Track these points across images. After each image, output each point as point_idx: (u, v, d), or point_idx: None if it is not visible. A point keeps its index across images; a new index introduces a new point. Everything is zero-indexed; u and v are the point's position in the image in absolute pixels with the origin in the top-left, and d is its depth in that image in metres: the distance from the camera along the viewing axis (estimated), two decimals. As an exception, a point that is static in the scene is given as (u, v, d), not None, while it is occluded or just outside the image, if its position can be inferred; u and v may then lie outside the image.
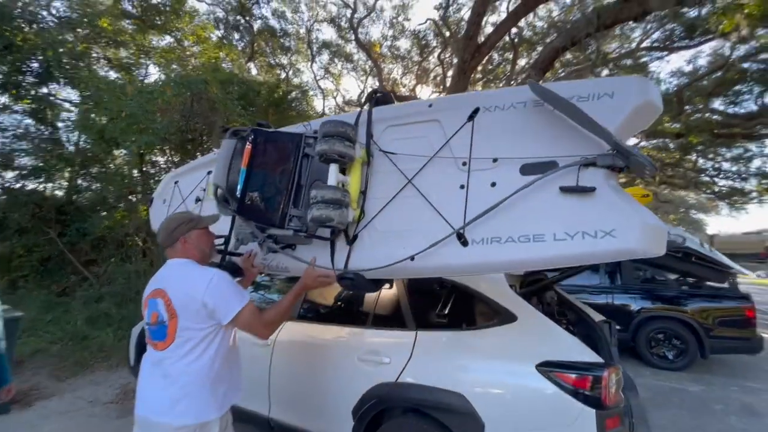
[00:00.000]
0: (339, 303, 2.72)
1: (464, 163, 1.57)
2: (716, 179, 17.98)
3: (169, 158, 6.35)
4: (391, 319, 2.35)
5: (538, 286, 2.13)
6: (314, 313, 2.72)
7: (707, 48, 14.06)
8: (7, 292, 6.65)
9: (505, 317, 1.99)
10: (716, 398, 4.53)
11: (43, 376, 4.47)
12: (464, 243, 1.43)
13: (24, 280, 6.82)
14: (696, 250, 1.59)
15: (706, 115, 13.87)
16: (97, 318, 5.71)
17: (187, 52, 7.27)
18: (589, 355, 1.76)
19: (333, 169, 1.71)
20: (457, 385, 1.89)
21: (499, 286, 2.10)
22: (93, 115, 4.75)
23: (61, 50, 5.08)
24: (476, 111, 1.62)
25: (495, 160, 1.51)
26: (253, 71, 15.32)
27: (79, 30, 5.47)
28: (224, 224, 2.04)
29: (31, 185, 7.52)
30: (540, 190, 1.36)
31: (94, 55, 6.09)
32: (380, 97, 2.02)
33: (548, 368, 1.74)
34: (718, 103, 13.90)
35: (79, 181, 7.66)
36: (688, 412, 4.13)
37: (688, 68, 14.50)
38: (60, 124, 5.85)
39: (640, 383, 4.97)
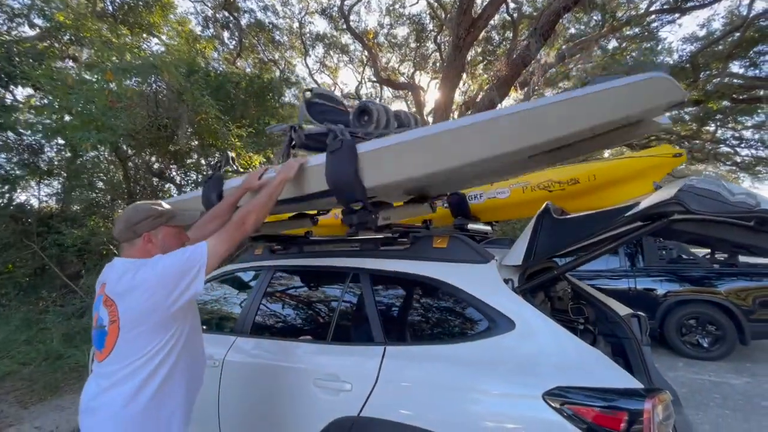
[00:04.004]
0: (298, 312, 2.21)
1: None
2: (737, 149, 16.97)
3: (148, 157, 5.93)
4: (354, 331, 1.84)
5: (546, 278, 1.58)
6: (269, 327, 2.22)
7: (722, 8, 13.11)
8: (-12, 310, 6.34)
9: (499, 324, 1.45)
10: (765, 393, 3.91)
11: (8, 402, 4.09)
12: None
13: (6, 299, 6.49)
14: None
15: (726, 80, 12.92)
16: (74, 335, 5.33)
17: (162, 48, 6.83)
18: (620, 377, 1.21)
19: None
20: (437, 421, 1.37)
21: (489, 281, 1.56)
22: (44, 115, 4.33)
23: (15, 48, 4.68)
24: None
25: None
26: (247, 69, 14.90)
27: (37, 27, 5.09)
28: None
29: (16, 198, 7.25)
30: None
31: (59, 53, 5.70)
32: None
33: (561, 397, 1.21)
34: (737, 67, 12.96)
35: (52, 187, 7.32)
36: (734, 412, 3.53)
37: (702, 32, 13.60)
38: (28, 131, 5.44)
39: (673, 377, 4.37)
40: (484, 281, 1.58)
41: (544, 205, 1.58)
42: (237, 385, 2.06)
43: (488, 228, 2.94)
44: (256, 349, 2.11)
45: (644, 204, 1.22)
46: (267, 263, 2.40)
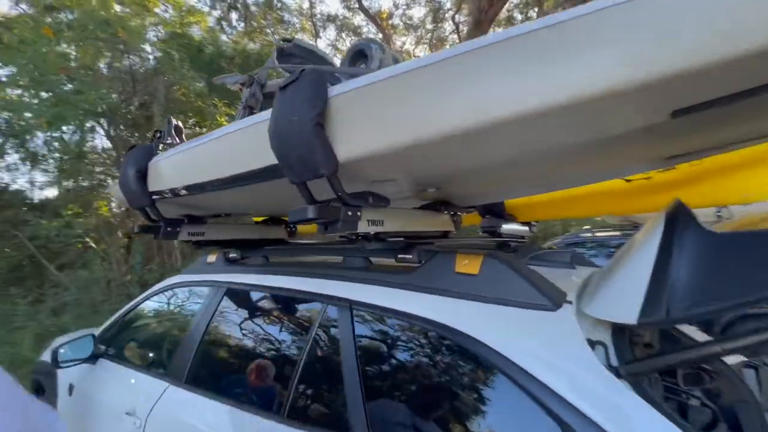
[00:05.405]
0: (248, 361, 1.50)
1: None
2: None
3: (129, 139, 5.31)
4: (322, 407, 1.13)
5: (695, 357, 0.82)
6: (209, 376, 1.53)
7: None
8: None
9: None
10: None
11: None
12: None
13: (-13, 291, 6.07)
14: None
15: None
16: (49, 336, 4.82)
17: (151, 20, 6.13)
18: None
19: None
20: None
21: (561, 347, 0.83)
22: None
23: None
24: None
25: None
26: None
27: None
28: None
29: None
30: None
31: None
32: None
33: None
34: None
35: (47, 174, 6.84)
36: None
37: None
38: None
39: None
40: (550, 347, 0.85)
41: (672, 204, 0.83)
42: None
43: (525, 229, 2.19)
44: (189, 408, 1.44)
45: None
46: (218, 278, 1.71)
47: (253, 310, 1.56)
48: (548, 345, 0.85)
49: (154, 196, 1.41)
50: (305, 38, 16.58)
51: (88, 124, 5.82)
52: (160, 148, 1.57)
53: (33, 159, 6.91)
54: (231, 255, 1.79)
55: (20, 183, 7.31)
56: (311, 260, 1.59)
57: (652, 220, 0.88)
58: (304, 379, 1.19)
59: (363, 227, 0.97)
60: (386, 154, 0.83)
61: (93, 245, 5.37)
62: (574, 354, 0.83)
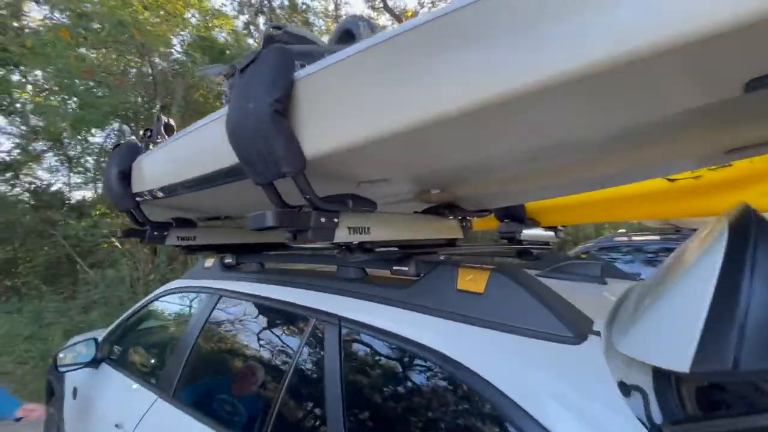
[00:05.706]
0: (235, 376, 1.38)
1: None
2: None
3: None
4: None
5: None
6: (196, 391, 1.43)
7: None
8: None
9: None
10: None
11: (-11, 410, 3.73)
12: None
13: (26, 288, 6.39)
14: None
15: None
16: (77, 333, 4.98)
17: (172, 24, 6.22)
18: None
19: None
20: None
21: (587, 392, 0.65)
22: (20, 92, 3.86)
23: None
24: None
25: None
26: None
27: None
28: None
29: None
30: None
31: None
32: None
33: None
34: None
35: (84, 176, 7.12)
36: None
37: None
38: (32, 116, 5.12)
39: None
40: (570, 391, 0.67)
41: (738, 209, 0.64)
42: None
43: (550, 234, 1.97)
44: (174, 425, 1.34)
45: None
46: (212, 284, 1.61)
47: (243, 322, 1.44)
48: (567, 389, 0.67)
49: (138, 198, 1.33)
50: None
51: (121, 127, 6.02)
52: (150, 147, 1.48)
53: (69, 161, 7.24)
54: (226, 260, 1.68)
55: (58, 184, 7.69)
56: (306, 268, 1.46)
57: (707, 230, 0.68)
58: (286, 403, 1.05)
59: (342, 236, 0.82)
60: (365, 148, 0.67)
61: (118, 245, 5.52)
62: (600, 402, 0.64)
